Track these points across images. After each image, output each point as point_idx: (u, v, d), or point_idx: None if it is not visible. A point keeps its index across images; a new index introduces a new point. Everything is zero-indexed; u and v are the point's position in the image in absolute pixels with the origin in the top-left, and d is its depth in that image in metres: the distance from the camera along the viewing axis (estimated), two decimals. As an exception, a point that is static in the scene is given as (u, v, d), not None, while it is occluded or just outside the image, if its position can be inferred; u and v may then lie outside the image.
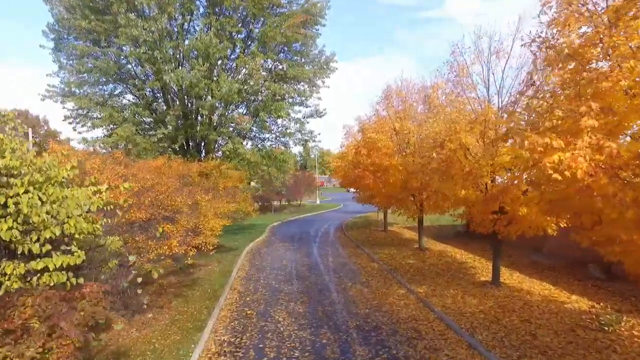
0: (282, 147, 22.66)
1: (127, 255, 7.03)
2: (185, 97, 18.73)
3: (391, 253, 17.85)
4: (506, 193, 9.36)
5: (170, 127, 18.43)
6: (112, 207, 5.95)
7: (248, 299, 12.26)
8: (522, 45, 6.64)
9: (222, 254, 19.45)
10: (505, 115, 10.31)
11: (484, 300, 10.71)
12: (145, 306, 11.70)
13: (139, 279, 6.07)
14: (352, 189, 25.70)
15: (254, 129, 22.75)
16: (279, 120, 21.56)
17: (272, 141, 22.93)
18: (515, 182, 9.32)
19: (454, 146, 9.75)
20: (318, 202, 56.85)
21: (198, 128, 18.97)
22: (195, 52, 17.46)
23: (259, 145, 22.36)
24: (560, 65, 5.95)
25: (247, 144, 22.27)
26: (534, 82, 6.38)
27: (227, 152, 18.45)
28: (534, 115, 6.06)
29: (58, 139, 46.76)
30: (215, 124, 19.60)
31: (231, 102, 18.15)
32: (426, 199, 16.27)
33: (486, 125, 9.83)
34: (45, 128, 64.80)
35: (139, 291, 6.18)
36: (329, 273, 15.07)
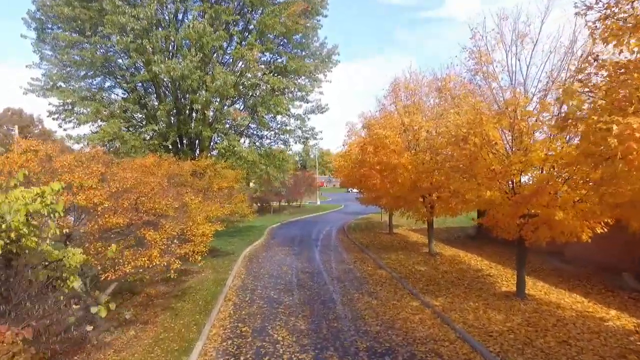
0: (282, 145, 21.43)
1: (92, 270, 5.75)
2: (178, 91, 17.46)
3: (399, 258, 16.57)
4: (540, 194, 8.08)
5: (162, 123, 17.16)
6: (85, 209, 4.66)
7: (243, 312, 10.97)
8: (575, 14, 5.37)
9: (218, 260, 18.18)
10: (535, 106, 9.05)
11: (510, 316, 9.43)
12: (128, 318, 10.49)
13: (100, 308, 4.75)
14: (355, 190, 24.35)
15: (252, 126, 21.51)
16: (278, 117, 20.34)
17: (271, 139, 21.71)
18: (549, 182, 8.05)
19: (479, 141, 8.48)
20: (318, 202, 55.58)
21: (192, 124, 17.69)
22: (188, 42, 16.18)
23: (257, 143, 21.11)
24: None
25: (245, 142, 21.04)
26: (597, 56, 5.14)
27: (223, 150, 17.17)
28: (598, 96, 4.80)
29: (53, 138, 45.44)
30: (210, 120, 18.32)
31: (227, 96, 16.90)
32: (438, 200, 14.99)
33: (515, 116, 8.56)
34: (40, 127, 63.52)
35: (89, 328, 4.83)
36: (332, 281, 13.79)
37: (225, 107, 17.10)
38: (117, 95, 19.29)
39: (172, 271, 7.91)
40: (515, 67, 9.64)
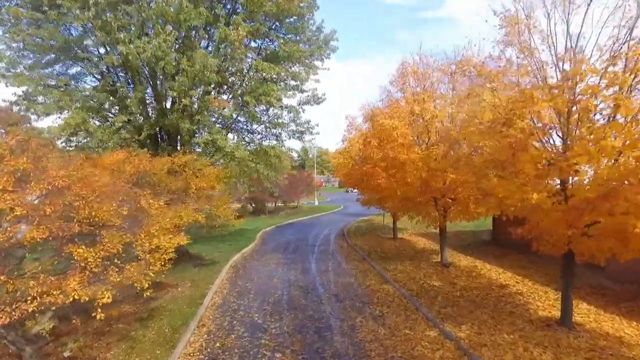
0: (274, 141, 19.17)
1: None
2: (155, 77, 15.19)
3: (407, 270, 14.34)
4: (612, 198, 5.87)
5: (135, 114, 14.89)
6: None
7: (217, 345, 8.75)
8: None
9: (200, 270, 15.96)
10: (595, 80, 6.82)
11: (562, 358, 7.21)
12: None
13: None
14: (355, 190, 22.11)
15: (241, 119, 19.26)
16: (270, 110, 18.06)
17: (262, 134, 19.45)
18: (628, 181, 5.82)
19: (527, 125, 6.29)
20: (317, 203, 53.35)
21: (174, 116, 15.41)
22: (163, 20, 13.92)
23: (246, 139, 18.85)
24: None
25: (234, 138, 18.79)
26: None
27: (204, 146, 14.90)
28: None
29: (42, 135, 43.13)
30: (192, 111, 16.03)
31: (208, 82, 14.62)
32: (454, 202, 12.78)
33: (574, 93, 6.34)
34: (28, 125, 61.17)
35: None
36: (330, 300, 11.56)
37: (207, 96, 14.83)
38: (87, 83, 17.03)
39: (99, 310, 5.62)
40: (568, 31, 7.41)
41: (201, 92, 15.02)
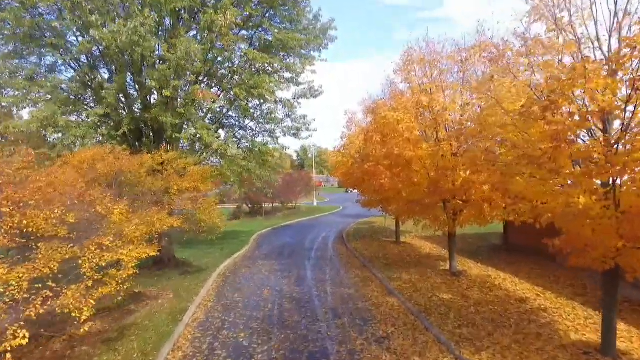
0: (268, 138, 17.79)
1: None
2: (136, 65, 13.76)
3: (413, 279, 12.94)
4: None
5: (115, 107, 13.50)
6: None
7: (191, 377, 7.37)
8: None
9: (186, 278, 14.59)
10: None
11: (612, 400, 5.83)
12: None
13: None
14: (355, 190, 20.69)
15: (232, 114, 17.89)
16: (265, 105, 16.68)
17: (254, 130, 18.07)
18: None
19: (576, 109, 4.92)
20: (315, 203, 51.97)
21: (157, 109, 14.02)
22: (141, 2, 12.52)
23: (237, 135, 17.46)
24: None
25: (224, 134, 17.39)
26: None
27: (189, 141, 13.49)
28: None
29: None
30: (177, 104, 14.60)
31: (194, 72, 13.23)
32: (466, 205, 11.39)
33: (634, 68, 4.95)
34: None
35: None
36: (327, 316, 10.17)
37: (190, 87, 13.40)
38: (63, 74, 15.63)
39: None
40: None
41: (185, 83, 13.60)
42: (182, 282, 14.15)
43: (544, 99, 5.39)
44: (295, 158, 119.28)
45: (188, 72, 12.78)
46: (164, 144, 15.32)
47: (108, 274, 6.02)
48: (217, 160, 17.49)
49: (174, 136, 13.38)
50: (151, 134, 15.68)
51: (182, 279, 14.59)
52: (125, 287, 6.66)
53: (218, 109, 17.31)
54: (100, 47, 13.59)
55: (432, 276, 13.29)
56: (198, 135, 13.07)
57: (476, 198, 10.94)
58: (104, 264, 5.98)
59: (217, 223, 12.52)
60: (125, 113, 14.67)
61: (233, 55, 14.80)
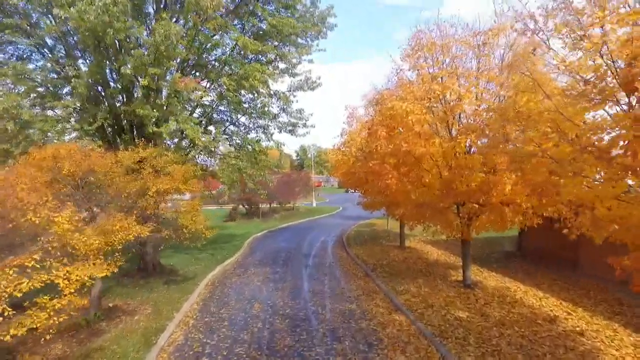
0: (262, 134, 16.33)
1: None
2: (115, 50, 12.28)
3: (422, 292, 11.49)
4: None
5: (87, 98, 12.05)
6: None
7: None
8: None
9: (169, 288, 13.16)
10: None
11: None
12: None
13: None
14: (356, 191, 19.21)
15: (222, 108, 16.42)
16: (256, 96, 15.19)
17: (247, 126, 16.61)
18: None
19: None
20: (314, 204, 50.52)
21: (136, 101, 12.58)
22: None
23: (227, 131, 16.00)
24: None
25: (214, 130, 15.92)
26: None
27: (170, 137, 12.00)
28: None
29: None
30: (158, 95, 13.09)
31: (177, 58, 11.78)
32: (484, 209, 9.95)
33: None
34: None
35: None
36: (324, 339, 8.72)
37: (173, 75, 11.91)
38: (35, 63, 14.14)
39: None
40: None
41: (168, 72, 12.12)
42: (164, 293, 12.70)
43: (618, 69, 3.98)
44: (294, 158, 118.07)
45: (170, 59, 11.30)
46: (145, 141, 13.88)
47: (37, 303, 4.58)
48: (206, 158, 16.10)
49: (154, 131, 11.89)
50: (134, 130, 14.22)
51: (166, 289, 13.14)
52: (60, 319, 5.18)
53: (207, 103, 15.91)
54: (68, 28, 12.13)
55: (443, 288, 11.84)
56: (178, 129, 11.57)
57: (496, 201, 9.50)
58: (19, 295, 4.52)
59: (201, 229, 11.03)
60: (105, 106, 13.20)
61: (222, 42, 13.32)
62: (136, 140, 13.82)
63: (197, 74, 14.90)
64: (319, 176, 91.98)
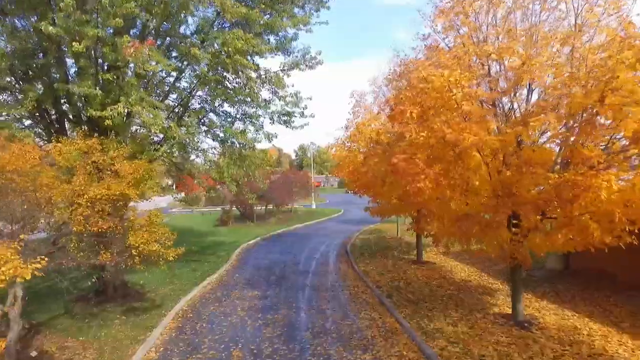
0: (251, 127, 13.29)
1: None
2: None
3: (460, 335, 8.44)
4: None
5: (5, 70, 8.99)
6: None
7: None
8: None
9: (127, 321, 10.19)
10: None
11: None
12: None
13: None
14: (363, 195, 16.13)
15: (201, 94, 13.37)
16: (240, 77, 12.13)
17: (232, 116, 13.59)
18: None
19: None
20: (314, 206, 47.42)
21: (77, 79, 9.55)
22: None
23: (207, 121, 12.96)
24: None
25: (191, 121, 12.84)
26: None
27: (114, 121, 8.84)
28: None
29: None
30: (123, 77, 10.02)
31: (123, 16, 8.69)
32: (563, 223, 6.92)
33: None
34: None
35: None
36: None
37: (121, 39, 8.86)
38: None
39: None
40: None
41: (113, 35, 9.00)
42: (119, 329, 9.68)
43: None
44: (294, 158, 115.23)
45: (115, 17, 8.20)
46: (98, 131, 10.81)
47: None
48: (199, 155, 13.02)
49: (99, 116, 8.80)
50: (82, 117, 11.14)
51: (122, 323, 10.12)
52: None
53: (182, 87, 12.93)
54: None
55: (487, 326, 8.80)
56: (122, 111, 8.46)
57: (580, 212, 6.48)
58: None
59: (158, 250, 7.97)
60: (39, 84, 10.16)
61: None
62: (96, 132, 10.79)
63: (167, 49, 11.89)
64: (318, 176, 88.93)
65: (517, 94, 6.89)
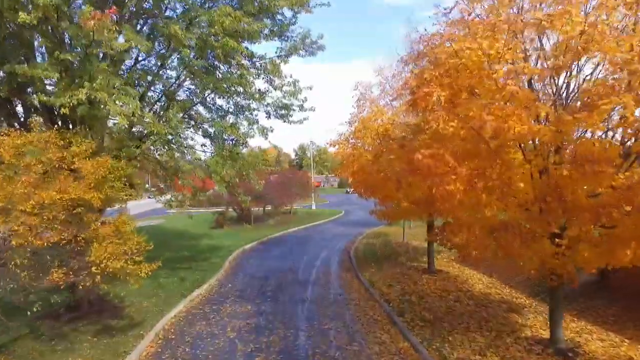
0: (245, 122, 11.86)
1: None
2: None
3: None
4: None
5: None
6: None
7: None
8: None
9: (97, 343, 8.76)
10: None
11: None
12: None
13: None
14: (370, 197, 14.66)
15: (191, 85, 11.94)
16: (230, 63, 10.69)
17: (223, 110, 12.17)
18: None
19: None
20: (314, 207, 45.95)
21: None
22: None
23: (192, 113, 11.53)
24: None
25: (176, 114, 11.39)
26: None
27: (75, 113, 7.37)
28: None
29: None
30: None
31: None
32: (625, 232, 5.49)
33: None
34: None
35: None
36: None
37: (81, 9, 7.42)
38: None
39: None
40: None
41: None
42: (87, 355, 8.25)
43: None
44: (293, 157, 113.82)
45: None
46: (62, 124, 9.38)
47: None
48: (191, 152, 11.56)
49: (53, 104, 7.35)
50: (55, 110, 9.69)
51: (93, 346, 8.68)
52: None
53: (166, 76, 11.55)
54: None
55: (522, 355, 7.37)
56: (81, 98, 7.00)
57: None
58: None
59: (125, 267, 6.51)
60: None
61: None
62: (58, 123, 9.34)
63: (144, 25, 10.46)
64: (318, 176, 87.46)
65: (574, 71, 5.46)
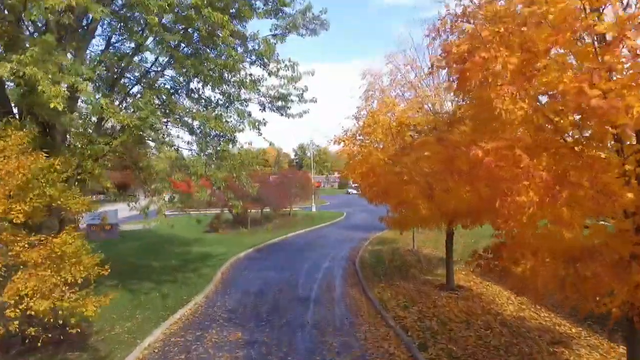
0: (236, 116, 10.06)
1: None
2: None
3: None
4: None
5: None
6: None
7: None
8: None
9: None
10: None
11: None
12: None
13: None
14: (380, 204, 12.82)
15: (173, 74, 10.18)
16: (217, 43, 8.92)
17: (212, 101, 10.39)
18: None
19: None
20: (314, 209, 44.14)
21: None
22: None
23: (176, 105, 9.73)
24: None
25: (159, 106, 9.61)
26: None
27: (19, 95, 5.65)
28: None
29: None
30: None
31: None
32: None
33: None
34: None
35: None
36: None
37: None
38: None
39: None
40: None
41: None
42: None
43: None
44: (293, 157, 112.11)
45: None
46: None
47: None
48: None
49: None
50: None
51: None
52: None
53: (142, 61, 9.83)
54: None
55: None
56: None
57: None
58: None
59: (60, 306, 4.71)
60: None
61: None
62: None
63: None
64: (318, 176, 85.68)
65: None
